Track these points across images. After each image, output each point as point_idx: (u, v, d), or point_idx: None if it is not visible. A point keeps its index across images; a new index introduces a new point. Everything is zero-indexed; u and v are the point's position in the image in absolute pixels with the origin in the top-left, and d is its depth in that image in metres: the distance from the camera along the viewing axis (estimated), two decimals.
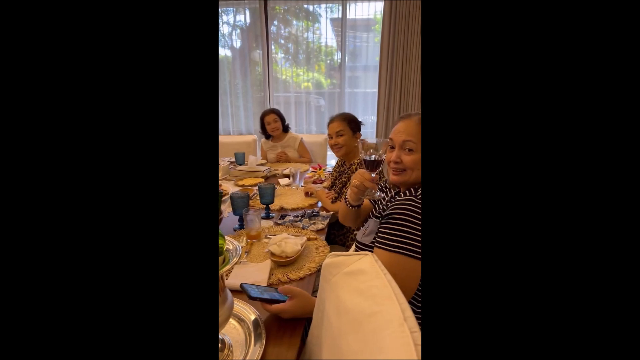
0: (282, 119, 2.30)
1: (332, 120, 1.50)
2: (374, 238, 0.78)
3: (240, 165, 2.01)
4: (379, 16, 2.90)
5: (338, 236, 1.47)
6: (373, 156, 0.81)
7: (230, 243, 0.57)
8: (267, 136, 2.34)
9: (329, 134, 1.51)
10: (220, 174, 1.88)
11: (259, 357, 0.60)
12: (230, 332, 0.66)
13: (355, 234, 1.14)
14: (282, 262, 0.93)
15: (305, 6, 3.07)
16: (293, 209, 1.40)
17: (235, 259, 0.54)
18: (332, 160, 2.89)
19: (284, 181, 1.77)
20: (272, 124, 2.24)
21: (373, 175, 0.82)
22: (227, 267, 0.52)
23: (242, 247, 0.98)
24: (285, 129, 2.33)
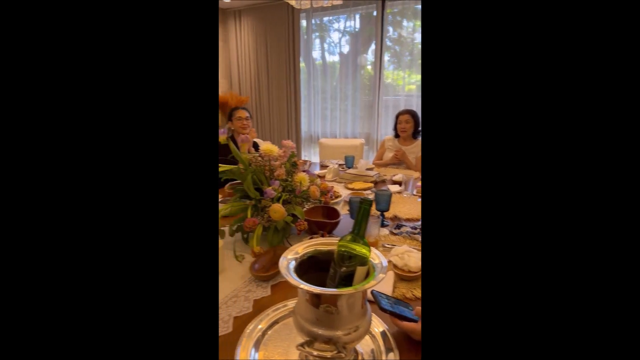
0: (416, 124, 2.24)
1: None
2: None
3: (349, 168, 2.04)
4: None
5: None
6: None
7: (376, 256, 0.56)
8: (396, 135, 2.33)
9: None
10: (330, 176, 1.94)
11: None
12: (362, 345, 0.65)
13: None
14: (404, 277, 0.89)
15: (416, 6, 2.94)
16: (408, 219, 1.33)
17: (381, 275, 0.52)
18: None
19: (394, 188, 1.71)
20: (403, 124, 2.22)
21: None
22: (373, 282, 0.51)
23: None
24: (415, 134, 2.26)
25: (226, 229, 1.05)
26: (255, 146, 1.99)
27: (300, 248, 0.59)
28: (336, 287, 0.56)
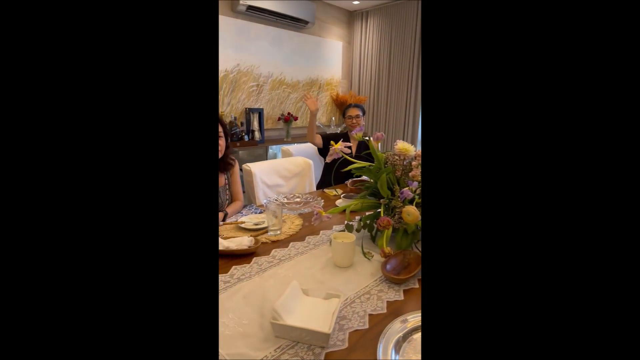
0: None
1: None
2: None
3: None
4: None
5: None
6: None
7: None
8: None
9: None
10: None
11: None
12: None
13: None
14: None
15: None
16: None
17: None
18: None
19: None
20: None
21: None
22: None
23: None
24: None
25: (354, 223, 1.07)
26: (363, 146, 1.98)
27: None
28: None
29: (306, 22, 3.38)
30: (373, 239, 1.07)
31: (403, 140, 3.56)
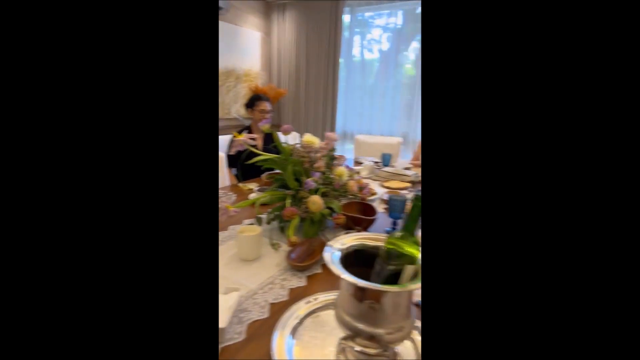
0: None
1: None
2: None
3: (385, 166, 2.00)
4: None
5: None
6: None
7: None
8: None
9: None
10: (364, 173, 1.91)
11: None
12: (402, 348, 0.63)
13: None
14: None
15: None
16: None
17: None
18: None
19: None
20: None
21: None
22: (419, 285, 0.49)
23: None
24: None
25: (263, 216, 1.06)
26: (270, 138, 1.99)
27: (347, 240, 0.58)
28: (382, 284, 0.54)
29: (219, 8, 3.20)
30: (282, 229, 1.08)
31: (323, 133, 3.66)
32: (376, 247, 0.57)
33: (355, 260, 0.58)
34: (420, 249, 0.53)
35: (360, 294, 0.51)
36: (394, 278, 0.54)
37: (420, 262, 0.53)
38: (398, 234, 0.54)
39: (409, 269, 0.53)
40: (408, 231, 0.53)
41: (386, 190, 1.64)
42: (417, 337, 0.64)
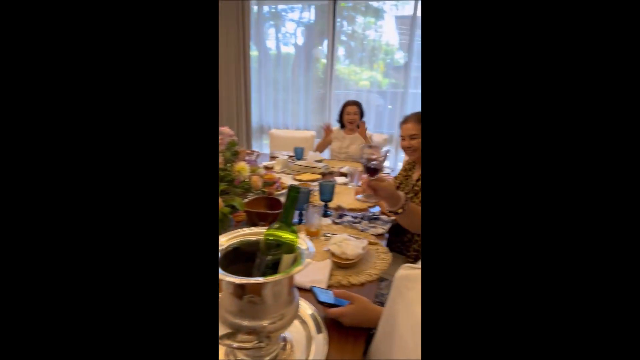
0: (361, 115, 2.31)
1: (405, 121, 1.38)
2: None
3: (298, 160, 2.03)
4: None
5: (395, 242, 1.40)
6: (372, 162, 0.85)
7: (303, 242, 0.55)
8: (342, 126, 2.36)
9: (401, 135, 1.40)
10: (278, 167, 1.92)
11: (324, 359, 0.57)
12: (291, 330, 0.65)
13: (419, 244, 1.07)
14: (342, 264, 0.91)
15: (371, 2, 3.00)
16: (351, 209, 1.36)
17: (308, 261, 0.52)
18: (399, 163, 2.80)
19: (340, 179, 1.75)
20: (351, 116, 2.26)
21: (371, 179, 0.87)
22: (300, 268, 0.51)
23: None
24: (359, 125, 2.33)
25: None
26: None
27: (224, 239, 0.57)
28: (262, 276, 0.55)
29: None
30: None
31: (238, 128, 3.51)
32: (256, 242, 0.57)
33: (237, 258, 0.57)
34: (297, 236, 0.56)
35: (239, 290, 0.51)
36: (274, 268, 0.55)
37: (298, 248, 0.55)
38: (276, 225, 0.55)
39: (287, 257, 0.54)
40: (285, 221, 0.55)
41: (298, 182, 1.67)
42: (307, 314, 0.67)
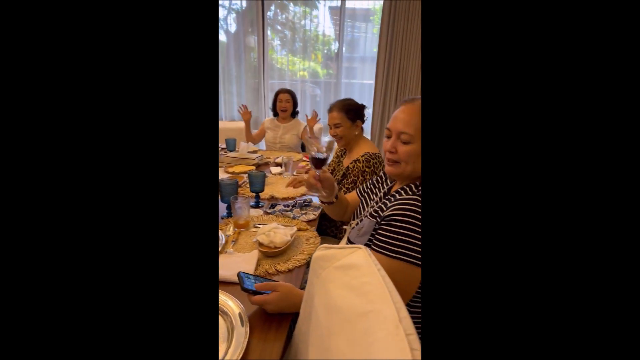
0: (295, 104, 2.27)
1: (330, 110, 1.42)
2: (369, 240, 0.74)
3: (230, 151, 1.95)
4: (378, 7, 2.83)
5: (330, 227, 1.44)
6: (319, 154, 0.84)
7: None
8: (275, 114, 2.32)
9: (328, 124, 1.44)
10: None
11: (241, 352, 0.56)
12: None
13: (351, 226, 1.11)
14: (270, 253, 0.89)
15: None
16: (284, 199, 1.35)
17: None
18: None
19: (275, 170, 1.72)
20: (284, 104, 2.22)
21: (318, 172, 0.85)
22: None
23: (229, 235, 0.94)
24: (294, 114, 2.31)
25: None
26: None
27: None
28: None
29: None
30: None
31: None
32: None
33: None
34: None
35: None
36: None
37: None
38: None
39: None
40: None
41: (229, 175, 1.61)
42: (234, 310, 0.65)
